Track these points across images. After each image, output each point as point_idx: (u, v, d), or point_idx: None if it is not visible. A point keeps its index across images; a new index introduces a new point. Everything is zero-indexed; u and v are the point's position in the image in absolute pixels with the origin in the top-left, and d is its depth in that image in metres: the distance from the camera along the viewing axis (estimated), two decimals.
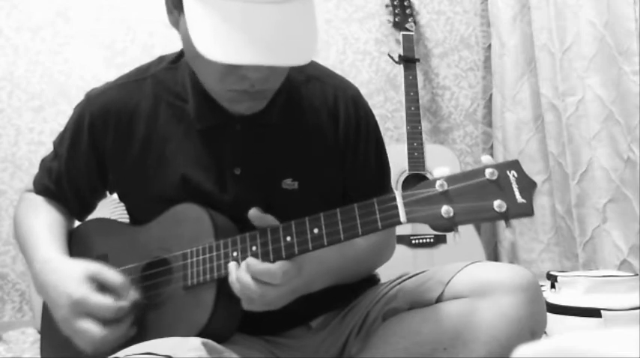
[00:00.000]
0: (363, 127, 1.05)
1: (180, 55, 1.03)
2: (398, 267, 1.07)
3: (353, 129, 1.04)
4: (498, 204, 0.74)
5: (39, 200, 1.08)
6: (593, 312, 1.52)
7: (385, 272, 1.10)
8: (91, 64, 2.31)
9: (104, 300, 0.88)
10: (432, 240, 2.08)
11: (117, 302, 0.88)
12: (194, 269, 0.91)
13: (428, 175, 2.12)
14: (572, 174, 1.99)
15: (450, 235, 2.07)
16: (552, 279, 1.67)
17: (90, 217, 1.11)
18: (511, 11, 2.27)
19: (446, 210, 0.76)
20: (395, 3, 2.37)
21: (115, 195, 1.09)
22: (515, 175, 0.76)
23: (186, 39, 0.89)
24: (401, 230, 1.95)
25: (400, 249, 1.92)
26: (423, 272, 0.98)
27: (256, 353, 0.95)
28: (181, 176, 0.98)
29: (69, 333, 0.90)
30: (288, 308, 0.89)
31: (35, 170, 1.12)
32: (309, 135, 1.02)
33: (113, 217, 1.57)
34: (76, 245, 1.04)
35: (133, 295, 0.91)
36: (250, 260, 0.85)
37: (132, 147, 1.00)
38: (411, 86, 2.24)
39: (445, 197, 0.77)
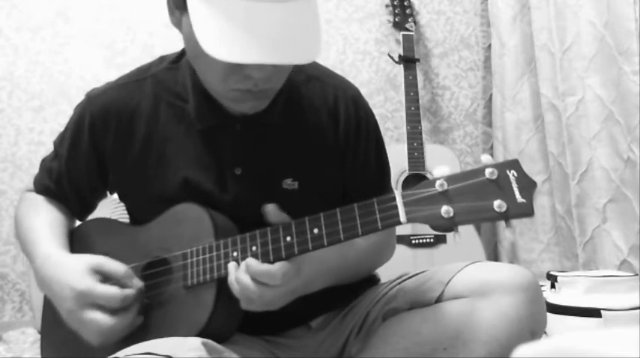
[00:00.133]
0: (363, 127, 1.05)
1: (180, 55, 1.03)
2: (398, 267, 1.07)
3: (353, 129, 1.04)
4: (498, 204, 0.74)
5: (39, 199, 1.08)
6: (593, 312, 1.52)
7: (385, 273, 1.10)
8: (91, 64, 2.31)
9: (110, 289, 0.88)
10: (432, 240, 2.07)
11: (123, 291, 0.88)
12: (194, 269, 0.91)
13: (428, 175, 2.12)
14: (572, 174, 1.99)
15: (450, 235, 2.07)
16: (552, 279, 1.67)
17: (90, 217, 1.11)
18: (511, 11, 2.27)
19: (446, 210, 0.76)
20: (395, 3, 2.37)
21: (115, 195, 1.09)
22: (515, 175, 0.76)
23: (188, 39, 0.88)
24: (401, 230, 1.95)
25: (400, 249, 1.92)
26: (423, 272, 0.98)
27: (256, 353, 0.95)
28: (181, 176, 0.98)
29: (75, 326, 0.90)
30: (288, 309, 0.89)
31: (35, 170, 1.12)
32: (309, 135, 1.02)
33: (113, 217, 1.57)
34: (77, 244, 1.03)
35: (137, 283, 0.91)
36: (250, 261, 0.85)
37: (132, 147, 1.00)
38: (411, 86, 2.24)
39: (445, 197, 0.76)
